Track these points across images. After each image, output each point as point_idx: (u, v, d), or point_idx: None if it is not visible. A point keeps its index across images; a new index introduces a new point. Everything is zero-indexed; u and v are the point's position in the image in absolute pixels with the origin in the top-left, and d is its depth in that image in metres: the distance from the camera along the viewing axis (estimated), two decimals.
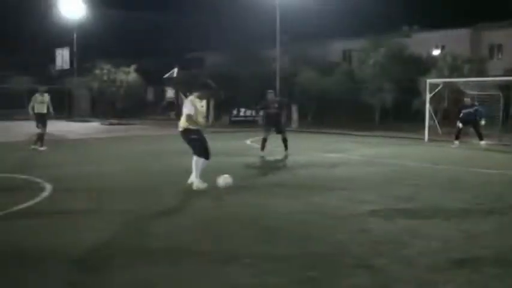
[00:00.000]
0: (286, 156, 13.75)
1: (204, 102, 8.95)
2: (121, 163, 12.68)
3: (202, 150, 8.79)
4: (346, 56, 40.72)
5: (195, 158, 8.78)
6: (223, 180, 8.64)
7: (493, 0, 40.72)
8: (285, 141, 14.06)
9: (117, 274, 4.68)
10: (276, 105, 14.18)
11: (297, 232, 6.09)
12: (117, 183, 9.57)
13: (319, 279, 4.53)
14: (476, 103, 18.18)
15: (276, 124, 14.10)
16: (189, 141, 8.90)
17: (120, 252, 5.28)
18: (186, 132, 8.87)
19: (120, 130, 26.38)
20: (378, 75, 28.70)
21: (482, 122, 17.54)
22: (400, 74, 28.42)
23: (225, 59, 40.40)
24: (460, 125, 17.56)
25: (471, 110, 17.49)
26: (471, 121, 17.55)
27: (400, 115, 28.31)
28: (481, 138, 17.32)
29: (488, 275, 4.65)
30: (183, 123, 8.85)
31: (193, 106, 8.73)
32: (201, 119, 8.88)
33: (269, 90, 14.85)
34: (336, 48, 43.10)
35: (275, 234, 6.00)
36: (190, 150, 8.89)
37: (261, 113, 14.67)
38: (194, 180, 8.76)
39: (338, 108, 31.50)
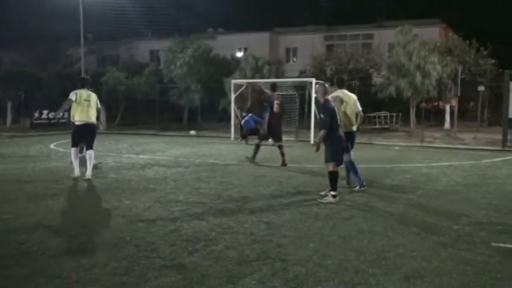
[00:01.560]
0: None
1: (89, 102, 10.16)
2: None
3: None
4: (154, 56, 40.74)
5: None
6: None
7: (288, 7, 44.13)
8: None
9: None
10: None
11: (106, 238, 5.92)
12: None
13: (129, 283, 4.48)
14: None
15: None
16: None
17: None
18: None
19: None
20: (186, 76, 29.21)
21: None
22: (207, 74, 29.36)
23: (24, 58, 37.64)
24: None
25: (247, 117, 19.24)
26: (252, 128, 19.18)
27: (208, 115, 29.20)
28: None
29: (288, 262, 5.05)
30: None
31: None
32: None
33: None
34: (143, 48, 42.89)
35: (83, 243, 5.75)
36: None
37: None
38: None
39: (148, 108, 31.39)
